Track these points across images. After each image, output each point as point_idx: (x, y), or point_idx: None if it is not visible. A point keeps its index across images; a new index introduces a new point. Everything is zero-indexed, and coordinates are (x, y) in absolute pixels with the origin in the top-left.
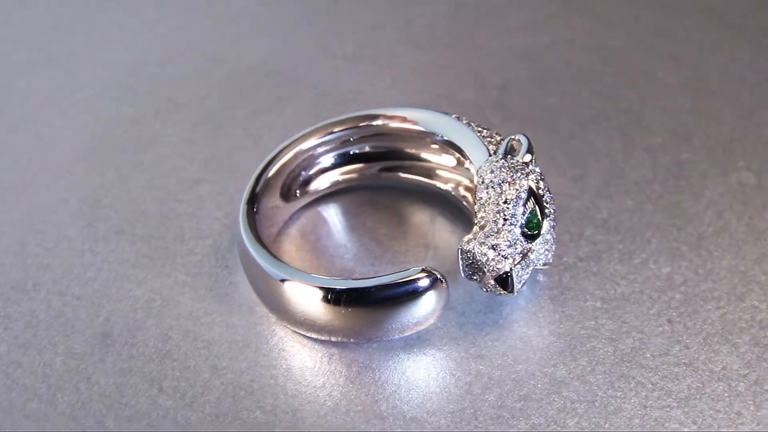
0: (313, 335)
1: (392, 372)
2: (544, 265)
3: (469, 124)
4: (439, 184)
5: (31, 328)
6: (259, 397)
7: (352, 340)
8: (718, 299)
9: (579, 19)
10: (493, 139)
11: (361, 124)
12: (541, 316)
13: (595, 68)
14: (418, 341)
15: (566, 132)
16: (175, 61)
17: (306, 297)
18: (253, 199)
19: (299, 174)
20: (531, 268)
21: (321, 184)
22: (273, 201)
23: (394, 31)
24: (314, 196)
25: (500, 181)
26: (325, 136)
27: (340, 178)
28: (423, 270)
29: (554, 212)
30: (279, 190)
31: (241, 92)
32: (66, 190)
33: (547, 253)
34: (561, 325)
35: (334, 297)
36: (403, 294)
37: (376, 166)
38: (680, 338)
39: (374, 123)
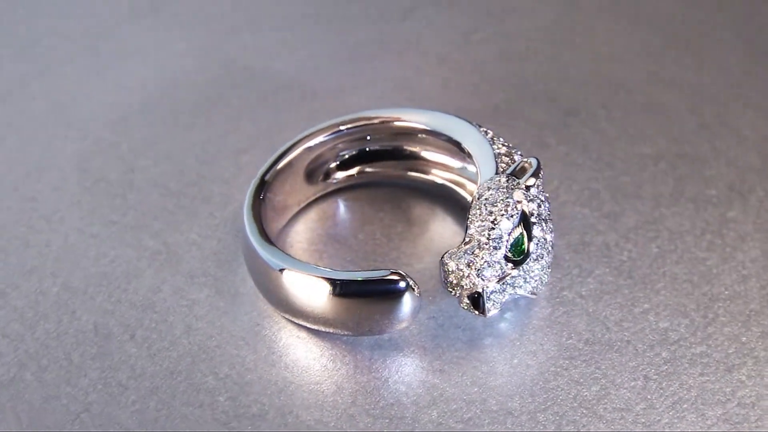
0: (289, 317)
1: (347, 367)
2: (532, 293)
3: (491, 139)
4: (463, 193)
5: (42, 257)
6: (217, 363)
7: (324, 329)
8: (705, 365)
9: (673, 51)
10: (510, 158)
11: (383, 124)
12: (517, 345)
13: (672, 104)
14: (388, 343)
15: (620, 167)
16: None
17: (281, 280)
18: (262, 187)
19: (322, 164)
20: (511, 294)
21: (341, 175)
22: (282, 190)
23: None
24: (331, 188)
25: (494, 201)
26: (342, 132)
27: (358, 172)
28: (395, 273)
29: (551, 242)
30: (292, 180)
31: None
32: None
33: (535, 281)
34: (534, 358)
35: (300, 282)
36: (368, 292)
37: (395, 165)
38: (649, 397)
39: (396, 124)
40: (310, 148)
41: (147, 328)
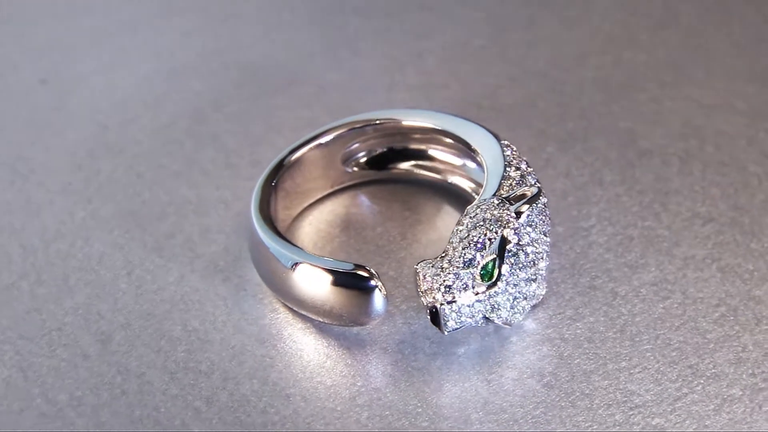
0: (267, 287)
1: (303, 350)
2: (506, 323)
3: (511, 157)
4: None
5: (64, 226)
6: (191, 316)
7: (294, 306)
8: None
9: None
10: (521, 183)
11: (404, 125)
12: (476, 369)
13: (757, 173)
14: (354, 336)
15: (665, 220)
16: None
17: (268, 261)
18: (275, 174)
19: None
20: (477, 319)
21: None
22: (296, 180)
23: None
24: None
25: (478, 222)
26: (372, 129)
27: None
28: (359, 266)
29: (529, 276)
30: (307, 170)
31: None
32: (123, 134)
33: (509, 312)
34: (486, 387)
35: (275, 262)
36: (325, 281)
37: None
38: None
39: (420, 125)
40: (328, 144)
41: (145, 269)
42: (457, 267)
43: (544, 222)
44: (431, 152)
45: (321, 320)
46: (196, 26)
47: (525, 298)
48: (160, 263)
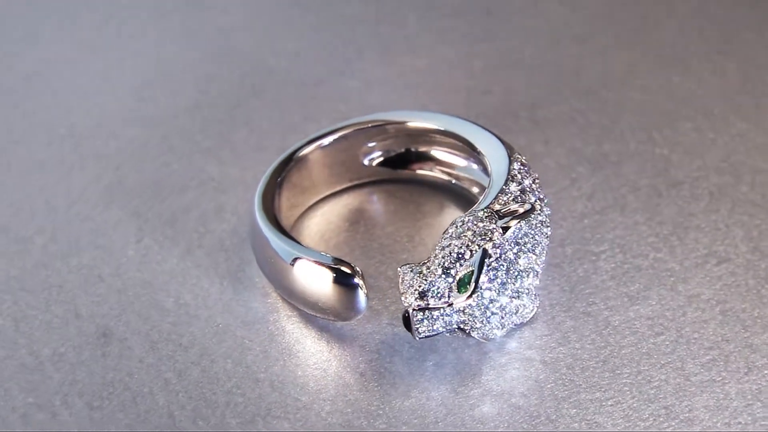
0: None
1: (281, 336)
2: (483, 338)
3: (512, 172)
4: None
5: (89, 188)
6: (186, 290)
7: (283, 296)
8: None
9: None
10: (518, 198)
11: (418, 127)
12: (437, 378)
13: None
14: (338, 330)
15: (678, 271)
16: None
17: (262, 247)
18: (282, 168)
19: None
20: (451, 329)
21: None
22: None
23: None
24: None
25: (463, 231)
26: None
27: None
28: (339, 261)
29: (512, 294)
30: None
31: None
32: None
33: (487, 327)
34: (436, 390)
35: (267, 244)
36: (307, 272)
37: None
38: None
39: (435, 127)
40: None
41: (154, 239)
42: (435, 275)
43: (536, 240)
44: (449, 157)
45: (307, 311)
46: (254, 12)
47: (505, 315)
48: (170, 235)
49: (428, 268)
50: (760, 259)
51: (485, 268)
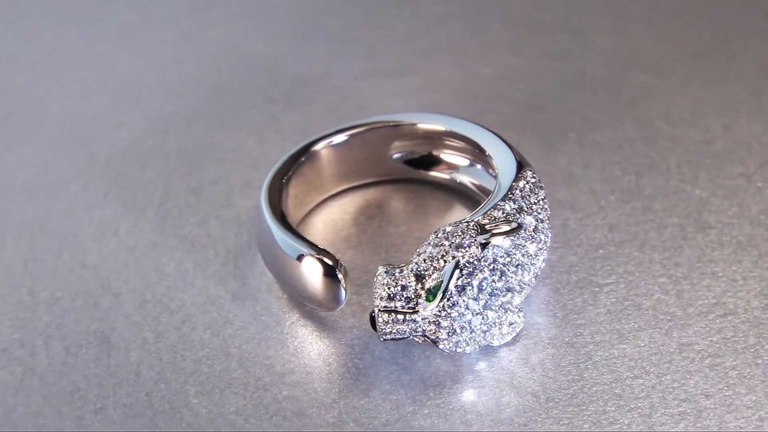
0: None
1: (275, 324)
2: (449, 350)
3: (512, 189)
4: None
5: (134, 145)
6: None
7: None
8: None
9: None
10: (510, 216)
11: (427, 130)
12: (404, 384)
13: None
14: (329, 322)
15: (688, 325)
16: None
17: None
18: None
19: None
20: (416, 335)
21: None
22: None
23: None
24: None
25: (442, 240)
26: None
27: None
28: (323, 251)
29: (481, 311)
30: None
31: None
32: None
33: (452, 339)
34: (394, 394)
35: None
36: (291, 257)
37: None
38: None
39: (446, 129)
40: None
41: (176, 204)
42: (406, 279)
43: (521, 261)
44: (471, 167)
45: (293, 297)
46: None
47: (474, 331)
48: (192, 202)
49: (401, 271)
50: None
51: (454, 280)
